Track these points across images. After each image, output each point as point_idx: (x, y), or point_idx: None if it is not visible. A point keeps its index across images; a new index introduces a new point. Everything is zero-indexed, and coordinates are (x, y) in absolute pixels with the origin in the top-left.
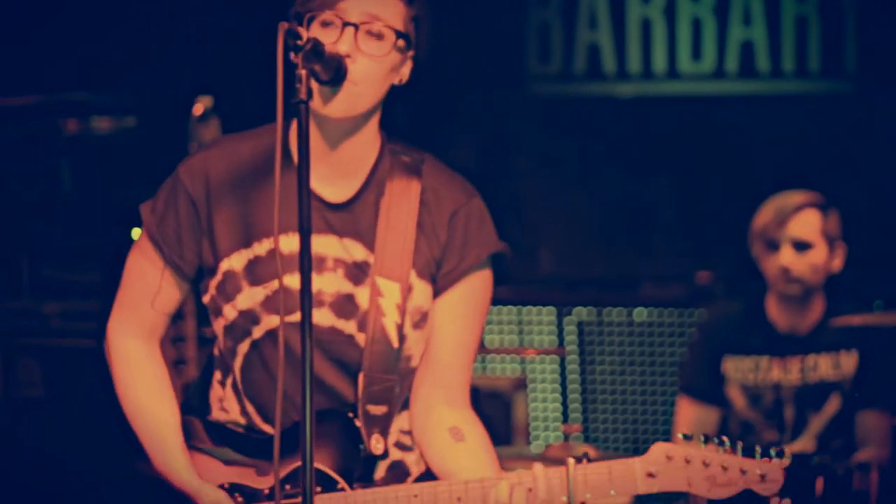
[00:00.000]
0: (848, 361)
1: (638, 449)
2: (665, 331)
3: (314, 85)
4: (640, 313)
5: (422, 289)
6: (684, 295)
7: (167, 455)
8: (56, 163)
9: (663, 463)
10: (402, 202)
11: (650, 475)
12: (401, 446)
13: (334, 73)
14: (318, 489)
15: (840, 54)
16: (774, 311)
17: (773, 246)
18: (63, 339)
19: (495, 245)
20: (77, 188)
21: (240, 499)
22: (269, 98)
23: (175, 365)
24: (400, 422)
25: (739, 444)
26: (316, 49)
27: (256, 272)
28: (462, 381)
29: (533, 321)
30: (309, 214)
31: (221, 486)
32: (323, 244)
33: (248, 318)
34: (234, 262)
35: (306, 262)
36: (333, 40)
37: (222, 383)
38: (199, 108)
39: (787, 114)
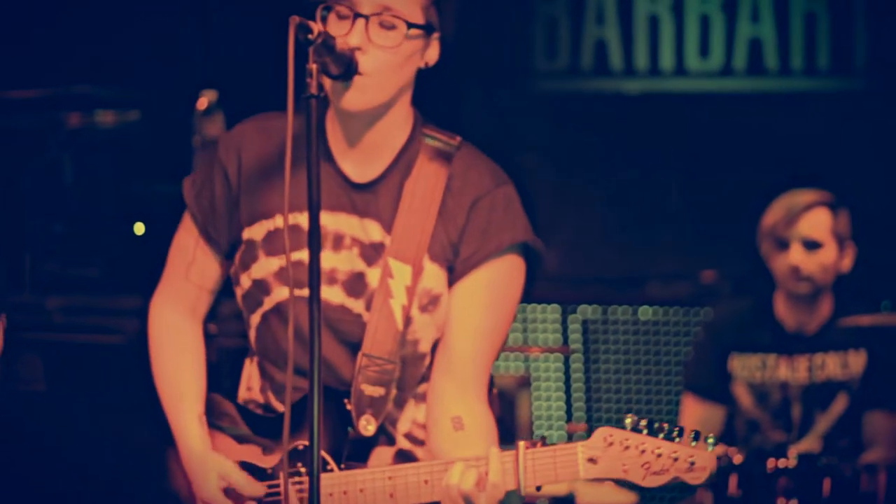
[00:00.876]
0: (856, 361)
1: None
2: (670, 329)
3: (327, 80)
4: (646, 312)
5: (433, 271)
6: (690, 293)
7: (181, 422)
8: (59, 156)
9: (603, 448)
10: (426, 186)
11: (591, 460)
12: (412, 439)
13: (345, 67)
14: (304, 469)
15: (849, 51)
16: (782, 309)
17: (783, 244)
18: (65, 333)
19: (522, 234)
20: (80, 182)
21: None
22: (275, 92)
23: None
24: (414, 412)
25: (676, 430)
26: (327, 43)
27: (273, 243)
28: (475, 371)
29: (537, 319)
30: (317, 211)
31: None
32: (343, 223)
33: (261, 287)
34: (255, 231)
35: (315, 270)
36: (345, 32)
37: (251, 363)
38: (203, 103)
39: (796, 112)
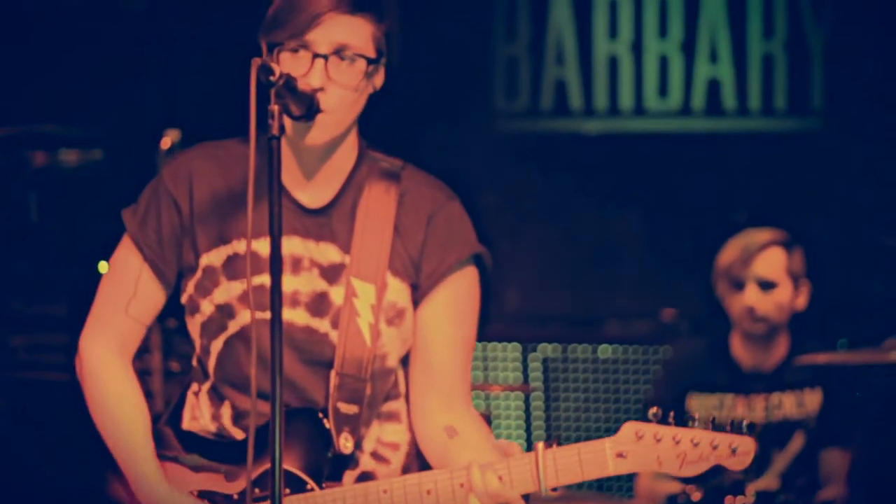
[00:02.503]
0: (812, 400)
1: (602, 485)
2: (630, 368)
3: (287, 118)
4: (605, 350)
5: (396, 286)
6: (649, 332)
7: (136, 463)
8: (23, 195)
9: (633, 442)
10: (379, 206)
11: (620, 455)
12: (377, 457)
13: (307, 108)
14: (287, 491)
15: (806, 92)
16: (739, 348)
17: (738, 285)
18: (30, 371)
19: (477, 246)
20: (44, 221)
21: None
22: (237, 132)
23: None
24: (379, 431)
25: (710, 419)
26: (288, 84)
27: (234, 268)
28: (456, 383)
29: (498, 357)
30: (279, 244)
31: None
32: (299, 246)
33: (225, 312)
34: (214, 257)
35: (276, 297)
36: (303, 70)
37: (196, 394)
38: (166, 142)
39: (754, 151)
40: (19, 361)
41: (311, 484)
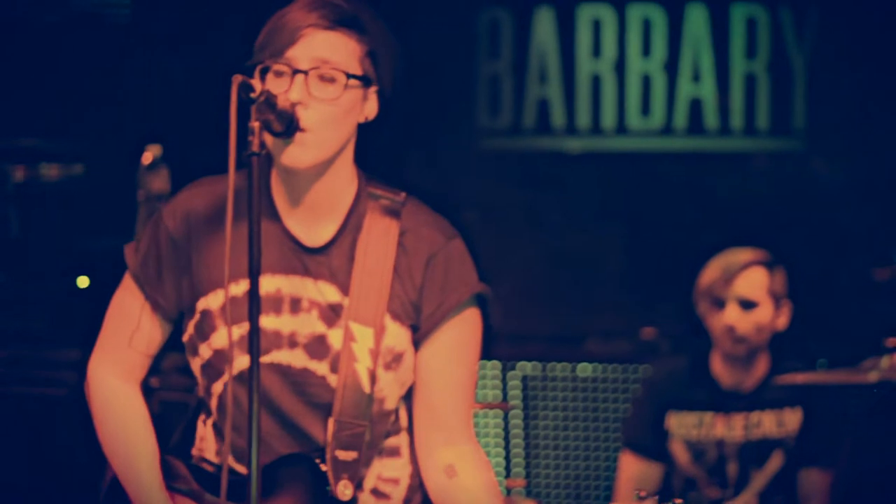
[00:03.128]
0: (792, 419)
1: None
2: (609, 386)
3: (269, 137)
4: (585, 368)
5: (395, 330)
6: (629, 351)
7: (143, 492)
8: (4, 209)
9: None
10: (378, 245)
11: None
12: (378, 493)
13: (287, 124)
14: None
15: (788, 112)
16: (719, 367)
17: (719, 304)
18: (10, 386)
19: (477, 286)
20: (24, 235)
21: None
22: (219, 147)
23: None
24: (379, 467)
25: (677, 503)
26: (269, 101)
27: (232, 311)
28: (459, 420)
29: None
30: (258, 270)
31: None
32: (299, 285)
33: (222, 357)
34: (211, 301)
35: (254, 315)
36: (284, 90)
37: (205, 423)
38: (148, 157)
39: (736, 171)
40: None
41: None
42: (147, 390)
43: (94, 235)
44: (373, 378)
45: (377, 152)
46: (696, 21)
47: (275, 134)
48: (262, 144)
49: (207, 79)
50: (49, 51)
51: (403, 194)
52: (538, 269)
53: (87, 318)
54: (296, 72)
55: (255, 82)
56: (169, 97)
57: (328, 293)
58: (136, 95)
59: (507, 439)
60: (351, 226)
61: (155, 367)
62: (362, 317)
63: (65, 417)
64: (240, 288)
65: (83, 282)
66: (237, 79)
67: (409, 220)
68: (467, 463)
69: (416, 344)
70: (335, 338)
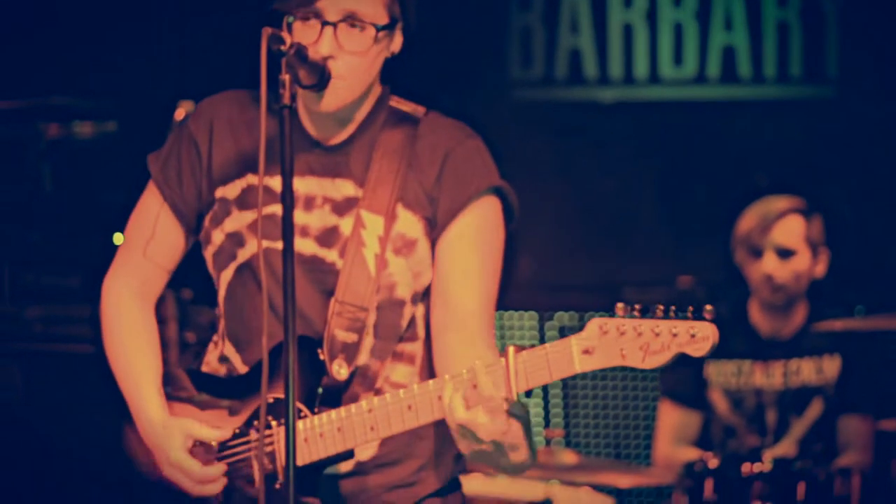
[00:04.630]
0: (830, 366)
1: (619, 454)
2: None
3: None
4: None
5: (407, 217)
6: (666, 300)
7: (140, 397)
8: (37, 167)
9: (598, 337)
10: (396, 142)
11: (586, 352)
12: (381, 395)
13: (318, 77)
14: (282, 420)
15: (822, 59)
16: (757, 315)
17: (757, 252)
18: (44, 343)
19: (497, 179)
20: (58, 192)
21: (201, 449)
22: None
23: None
24: (390, 370)
25: (673, 308)
26: (299, 54)
27: (246, 199)
28: (480, 322)
29: (514, 326)
30: (291, 220)
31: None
32: (314, 185)
33: (235, 240)
34: (228, 190)
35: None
36: (313, 38)
37: (215, 343)
38: (180, 113)
39: (769, 119)
40: (34, 333)
41: (304, 411)
42: (183, 345)
43: (128, 192)
44: (382, 263)
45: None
46: None
47: (305, 87)
48: (293, 96)
49: (238, 34)
50: (81, 7)
51: (424, 108)
52: (573, 219)
53: None
54: (325, 24)
55: (285, 34)
56: (201, 52)
57: (344, 188)
58: (168, 52)
59: (545, 389)
60: (371, 126)
61: (189, 321)
62: (374, 206)
63: (99, 374)
64: (256, 179)
65: (119, 239)
66: (267, 31)
67: (428, 124)
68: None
69: (434, 239)
70: (346, 226)
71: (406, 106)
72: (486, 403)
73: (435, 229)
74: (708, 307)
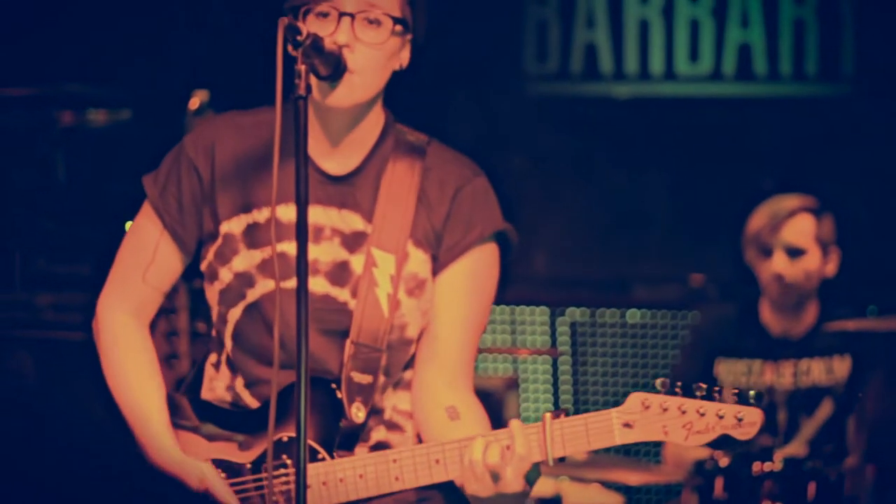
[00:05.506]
0: (841, 366)
1: (629, 450)
2: (658, 333)
3: (314, 79)
4: (634, 315)
5: (418, 257)
6: (678, 297)
7: (150, 431)
8: (50, 154)
9: (639, 412)
10: (403, 177)
11: (627, 425)
12: (391, 425)
13: (333, 68)
14: (290, 461)
15: (837, 57)
16: (768, 314)
17: (767, 252)
18: (55, 331)
19: (500, 223)
20: (71, 180)
21: (222, 474)
22: (265, 92)
23: (167, 360)
24: (395, 399)
25: (716, 389)
26: (315, 44)
27: (255, 236)
28: (462, 361)
29: (526, 321)
30: (306, 207)
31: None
32: (321, 215)
33: (244, 280)
34: (234, 225)
35: (303, 264)
36: (330, 31)
37: (215, 365)
38: (195, 103)
39: (784, 117)
40: (45, 320)
41: (322, 453)
42: (194, 335)
43: (140, 182)
44: (394, 304)
45: (425, 98)
46: None
47: (321, 77)
48: (309, 87)
49: (254, 23)
50: None
51: (427, 136)
52: (586, 214)
53: None
54: (342, 14)
55: (301, 25)
56: (216, 42)
57: (352, 221)
58: (183, 41)
59: (555, 385)
60: (376, 158)
61: (199, 310)
62: (385, 243)
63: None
64: (262, 215)
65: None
66: (283, 21)
67: (434, 156)
68: (470, 410)
69: (433, 274)
70: (357, 264)
71: (410, 134)
72: (516, 463)
73: (436, 265)
74: (752, 392)
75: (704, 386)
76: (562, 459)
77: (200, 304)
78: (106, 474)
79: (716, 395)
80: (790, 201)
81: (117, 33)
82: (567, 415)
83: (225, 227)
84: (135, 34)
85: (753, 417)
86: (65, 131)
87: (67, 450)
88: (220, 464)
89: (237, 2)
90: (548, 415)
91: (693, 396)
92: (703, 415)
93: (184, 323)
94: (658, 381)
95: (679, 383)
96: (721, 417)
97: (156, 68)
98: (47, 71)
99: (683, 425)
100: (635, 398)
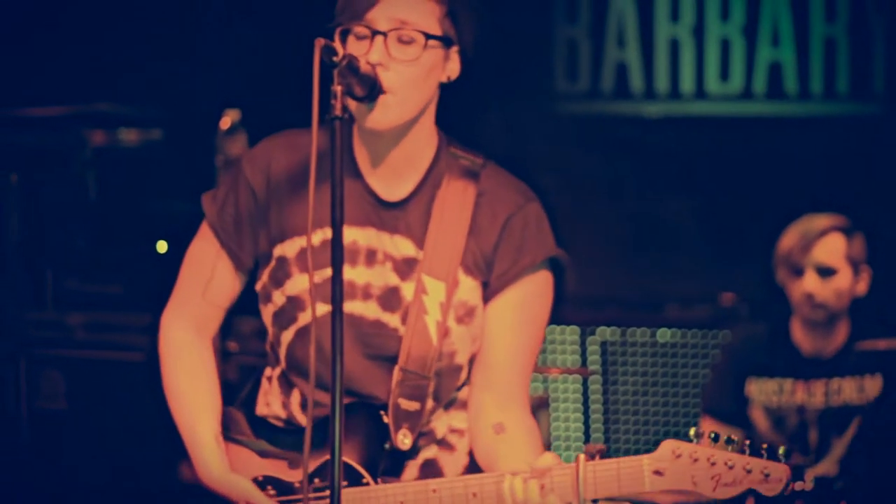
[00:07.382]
0: (872, 385)
1: None
2: (689, 352)
3: (351, 101)
4: (664, 334)
5: (468, 284)
6: (708, 316)
7: (199, 443)
8: (82, 174)
9: (671, 460)
10: (455, 203)
11: (657, 472)
12: (444, 444)
13: (370, 88)
14: (344, 483)
15: (868, 76)
16: (799, 334)
17: (798, 271)
18: (87, 350)
19: (552, 250)
20: (103, 199)
21: (272, 491)
22: (297, 112)
23: None
24: (449, 418)
25: (746, 443)
26: (351, 65)
27: (306, 260)
28: (514, 384)
29: (556, 340)
30: (341, 229)
31: (255, 479)
32: (374, 238)
33: (295, 304)
34: (287, 248)
35: (338, 289)
36: (365, 51)
37: (269, 379)
38: (226, 122)
39: (815, 136)
40: (76, 340)
41: (367, 477)
42: (225, 354)
43: (173, 200)
44: (443, 331)
45: (455, 117)
46: None
47: (357, 98)
48: (345, 108)
49: (285, 43)
50: (129, 15)
51: (482, 157)
52: (617, 234)
53: (166, 283)
54: (375, 33)
55: (338, 46)
56: (247, 62)
57: (403, 247)
58: (215, 60)
59: (586, 404)
60: (429, 183)
61: (231, 330)
62: (435, 270)
63: (142, 382)
64: (317, 238)
65: (162, 247)
66: (320, 42)
67: (488, 181)
68: (517, 425)
69: (485, 300)
70: (408, 290)
71: (464, 157)
72: (546, 498)
73: (487, 291)
74: (781, 449)
75: (736, 437)
76: (595, 502)
77: (231, 323)
78: (135, 492)
79: (745, 448)
80: (821, 220)
81: (148, 52)
82: (601, 456)
83: (278, 251)
84: (166, 53)
85: (780, 474)
86: (96, 151)
87: (98, 468)
88: (269, 481)
89: (269, 22)
90: (582, 456)
91: (724, 448)
92: (731, 468)
93: (214, 343)
94: (691, 431)
95: (711, 434)
96: (749, 472)
97: (187, 87)
98: (79, 91)
99: (712, 477)
100: (667, 446)
